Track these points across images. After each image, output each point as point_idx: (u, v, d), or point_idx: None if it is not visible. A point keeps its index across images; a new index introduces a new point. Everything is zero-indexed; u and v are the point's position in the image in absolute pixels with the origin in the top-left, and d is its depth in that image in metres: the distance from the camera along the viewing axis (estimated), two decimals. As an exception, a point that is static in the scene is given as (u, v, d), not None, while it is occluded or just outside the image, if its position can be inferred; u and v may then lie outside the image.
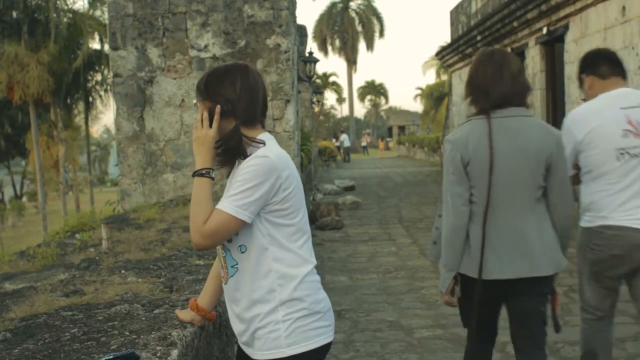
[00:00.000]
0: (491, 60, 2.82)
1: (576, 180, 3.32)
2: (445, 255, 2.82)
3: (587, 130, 3.19)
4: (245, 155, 1.99)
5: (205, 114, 2.00)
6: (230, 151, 2.00)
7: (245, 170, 1.94)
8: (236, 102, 2.01)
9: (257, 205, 1.94)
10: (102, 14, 29.59)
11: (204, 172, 1.97)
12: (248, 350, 2.09)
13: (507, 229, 2.75)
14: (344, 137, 39.00)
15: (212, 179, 1.98)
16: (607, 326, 3.36)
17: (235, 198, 1.92)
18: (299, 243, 2.03)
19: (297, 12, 9.39)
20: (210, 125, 1.99)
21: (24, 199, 49.48)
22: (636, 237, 3.08)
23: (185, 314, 2.36)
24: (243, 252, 2.00)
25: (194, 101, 2.18)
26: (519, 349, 2.99)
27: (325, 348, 2.04)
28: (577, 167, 3.31)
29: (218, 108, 1.99)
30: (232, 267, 2.02)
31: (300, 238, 2.03)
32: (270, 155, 1.96)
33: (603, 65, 3.36)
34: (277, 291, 1.98)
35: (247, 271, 2.00)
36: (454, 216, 2.77)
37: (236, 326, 2.09)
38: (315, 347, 2.00)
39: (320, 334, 2.02)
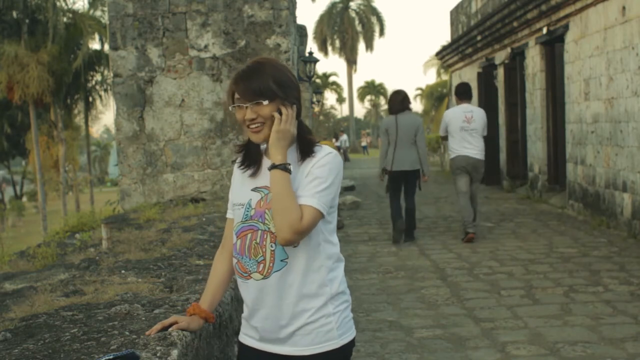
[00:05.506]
0: (396, 95, 8.08)
1: (446, 138, 8.33)
2: (380, 162, 8.14)
3: (449, 118, 8.12)
4: (314, 145, 2.04)
5: (290, 112, 2.01)
6: (310, 147, 2.03)
7: (323, 166, 1.99)
8: (299, 100, 2.06)
9: (334, 200, 2.03)
10: (102, 14, 29.59)
11: (287, 166, 1.97)
12: (278, 349, 2.04)
13: (405, 151, 7.85)
14: (344, 137, 39.03)
15: (290, 173, 1.98)
16: (467, 196, 8.10)
17: (323, 194, 1.97)
18: (336, 239, 2.11)
19: (297, 12, 9.40)
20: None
21: (24, 199, 49.46)
22: (467, 158, 7.97)
23: (183, 322, 2.25)
24: (296, 247, 1.99)
25: (231, 108, 2.09)
26: (405, 196, 8.09)
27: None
28: (446, 132, 8.18)
29: (295, 107, 2.03)
30: (281, 261, 2.00)
31: (335, 234, 2.11)
32: (334, 152, 2.04)
33: (464, 94, 8.24)
34: (329, 286, 2.03)
35: (297, 266, 2.00)
36: (383, 147, 8.05)
37: (265, 324, 2.04)
38: (355, 335, 2.12)
39: (353, 323, 2.14)
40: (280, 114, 1.99)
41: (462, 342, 4.55)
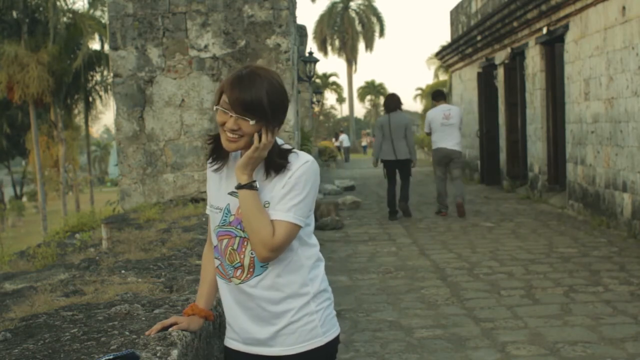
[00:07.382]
0: (391, 98, 10.23)
1: (430, 134, 10.39)
2: (375, 152, 10.35)
3: (432, 117, 10.21)
4: (286, 165, 2.00)
5: (270, 139, 1.97)
6: (279, 167, 2.00)
7: (298, 178, 1.97)
8: (283, 120, 2.04)
9: (311, 209, 2.03)
10: (102, 14, 29.59)
11: (254, 184, 1.97)
12: (263, 350, 2.05)
13: (397, 144, 9.83)
14: (343, 137, 38.99)
15: (257, 189, 1.98)
16: (444, 182, 10.23)
17: (298, 208, 1.96)
18: (315, 240, 2.12)
19: (297, 12, 9.39)
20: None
21: (24, 199, 49.45)
22: (446, 150, 10.05)
23: (183, 322, 2.26)
24: None
25: (215, 107, 2.05)
26: (401, 179, 10.14)
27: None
28: (430, 129, 10.23)
29: (276, 131, 1.99)
30: (261, 266, 2.01)
31: (313, 235, 2.12)
32: (310, 159, 2.01)
33: (439, 96, 10.51)
34: (310, 285, 2.05)
35: (277, 269, 2.01)
36: (377, 141, 10.16)
37: (249, 325, 2.05)
38: (339, 332, 2.13)
39: (337, 321, 2.15)
40: (260, 139, 1.96)
41: (462, 342, 4.55)
